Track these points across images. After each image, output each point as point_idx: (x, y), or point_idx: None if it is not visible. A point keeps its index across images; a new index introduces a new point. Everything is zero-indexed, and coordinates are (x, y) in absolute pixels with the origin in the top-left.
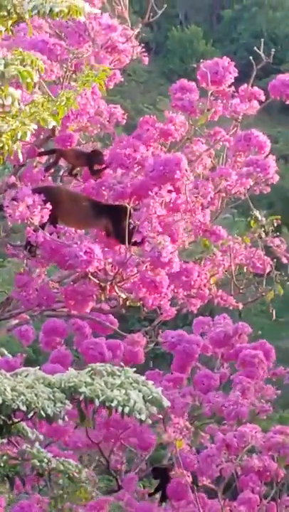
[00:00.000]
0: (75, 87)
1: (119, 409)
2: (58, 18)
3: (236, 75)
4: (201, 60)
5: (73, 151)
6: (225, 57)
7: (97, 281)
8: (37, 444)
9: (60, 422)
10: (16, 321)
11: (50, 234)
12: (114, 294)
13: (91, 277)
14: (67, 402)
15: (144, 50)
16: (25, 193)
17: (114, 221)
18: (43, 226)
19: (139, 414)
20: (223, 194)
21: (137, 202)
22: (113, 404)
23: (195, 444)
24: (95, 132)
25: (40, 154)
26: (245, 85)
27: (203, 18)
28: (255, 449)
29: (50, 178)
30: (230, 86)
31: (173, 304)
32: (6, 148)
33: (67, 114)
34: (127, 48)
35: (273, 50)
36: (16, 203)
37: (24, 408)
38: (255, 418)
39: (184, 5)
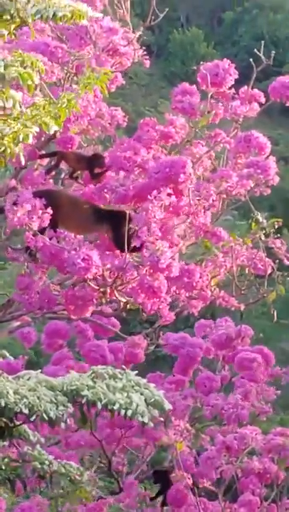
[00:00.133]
0: (77, 89)
1: (122, 412)
2: (61, 23)
3: (236, 76)
4: (202, 63)
5: (74, 154)
6: (225, 59)
7: (96, 287)
8: (38, 446)
9: (63, 425)
10: (18, 323)
11: (50, 238)
12: (115, 297)
13: (90, 283)
14: (69, 405)
15: (145, 52)
16: (25, 198)
17: (114, 227)
18: (43, 230)
19: (142, 417)
20: (224, 196)
21: (138, 205)
22: (115, 408)
23: (196, 446)
24: (96, 135)
25: (42, 157)
26: (246, 87)
27: (204, 21)
28: (255, 451)
29: (51, 180)
30: (230, 88)
31: (173, 306)
32: (8, 151)
33: (69, 116)
34: (129, 51)
35: (274, 52)
36: (15, 207)
37: (26, 411)
38: (256, 420)
39: (185, 8)
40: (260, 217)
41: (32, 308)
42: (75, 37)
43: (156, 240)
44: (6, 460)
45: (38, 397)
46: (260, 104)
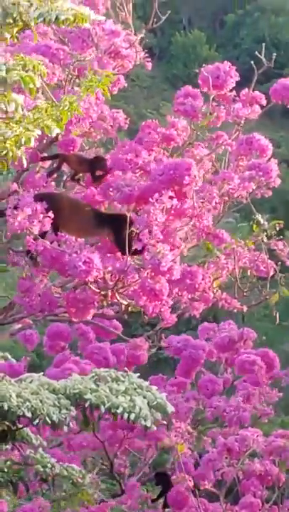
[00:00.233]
0: (78, 92)
1: (125, 415)
2: (63, 26)
3: (238, 79)
4: (204, 65)
5: (76, 157)
6: (226, 61)
7: (97, 290)
8: (40, 449)
9: (66, 428)
10: (19, 326)
11: (51, 242)
12: (116, 300)
13: (91, 286)
14: (72, 408)
15: (147, 55)
16: (26, 202)
17: (115, 231)
18: (43, 234)
19: (145, 420)
20: (226, 198)
21: (140, 207)
22: (118, 411)
23: (198, 448)
24: (98, 137)
25: (43, 159)
26: (246, 90)
27: (206, 24)
28: (256, 453)
29: (53, 183)
30: (231, 90)
31: (175, 308)
32: (10, 154)
33: (71, 118)
34: (131, 54)
35: (275, 54)
36: (16, 212)
37: (29, 415)
38: (257, 422)
39: (187, 10)
40: (261, 219)
41: (33, 310)
42: (77, 39)
43: (158, 242)
44: (9, 463)
45: (41, 401)
46: (262, 107)
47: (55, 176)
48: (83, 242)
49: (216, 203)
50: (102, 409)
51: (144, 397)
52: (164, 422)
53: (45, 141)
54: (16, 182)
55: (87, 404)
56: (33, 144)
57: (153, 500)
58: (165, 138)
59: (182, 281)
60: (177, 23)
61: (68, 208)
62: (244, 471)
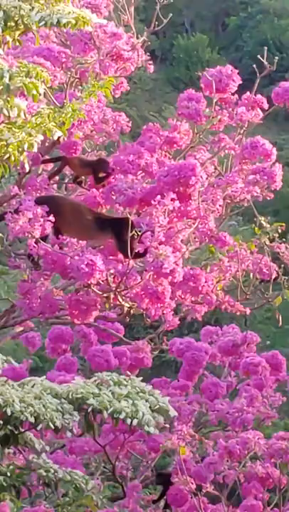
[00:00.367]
0: (80, 97)
1: (128, 421)
2: (65, 30)
3: (240, 82)
4: (206, 68)
5: (78, 160)
6: (228, 65)
7: (100, 292)
8: (43, 454)
9: (69, 434)
10: (21, 329)
11: (53, 245)
12: (119, 302)
13: (93, 288)
14: (75, 413)
15: (149, 58)
16: (27, 205)
17: (116, 234)
18: (45, 237)
19: (148, 426)
20: (228, 201)
21: (143, 209)
22: (121, 416)
23: (201, 451)
24: (101, 140)
25: (45, 162)
26: (248, 93)
27: (208, 26)
28: (258, 455)
29: (55, 186)
30: (234, 94)
31: (177, 311)
32: (13, 158)
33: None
34: (133, 56)
35: (277, 57)
36: (17, 215)
37: (32, 420)
38: (260, 425)
39: (189, 13)
40: (263, 222)
41: (33, 313)
42: (79, 42)
43: (160, 244)
44: (12, 467)
45: (44, 406)
46: (264, 110)
47: (56, 178)
48: (85, 244)
49: (219, 205)
50: (105, 414)
51: (147, 401)
52: (167, 425)
53: (47, 144)
54: (18, 185)
55: (89, 409)
56: (35, 149)
57: (154, 501)
58: (168, 141)
59: (185, 284)
60: (179, 25)
61: (70, 211)
62: (245, 473)
